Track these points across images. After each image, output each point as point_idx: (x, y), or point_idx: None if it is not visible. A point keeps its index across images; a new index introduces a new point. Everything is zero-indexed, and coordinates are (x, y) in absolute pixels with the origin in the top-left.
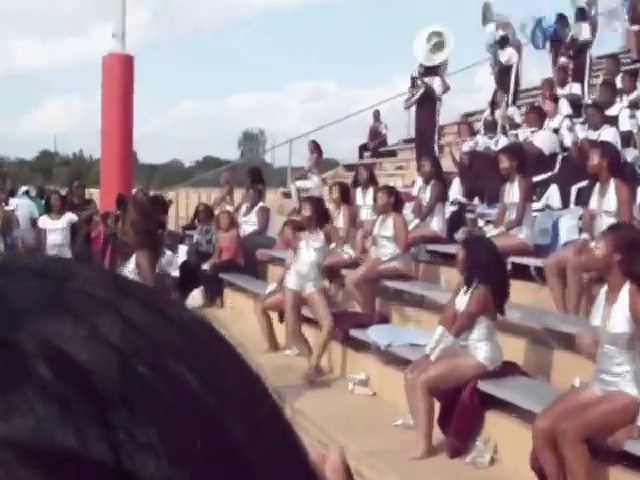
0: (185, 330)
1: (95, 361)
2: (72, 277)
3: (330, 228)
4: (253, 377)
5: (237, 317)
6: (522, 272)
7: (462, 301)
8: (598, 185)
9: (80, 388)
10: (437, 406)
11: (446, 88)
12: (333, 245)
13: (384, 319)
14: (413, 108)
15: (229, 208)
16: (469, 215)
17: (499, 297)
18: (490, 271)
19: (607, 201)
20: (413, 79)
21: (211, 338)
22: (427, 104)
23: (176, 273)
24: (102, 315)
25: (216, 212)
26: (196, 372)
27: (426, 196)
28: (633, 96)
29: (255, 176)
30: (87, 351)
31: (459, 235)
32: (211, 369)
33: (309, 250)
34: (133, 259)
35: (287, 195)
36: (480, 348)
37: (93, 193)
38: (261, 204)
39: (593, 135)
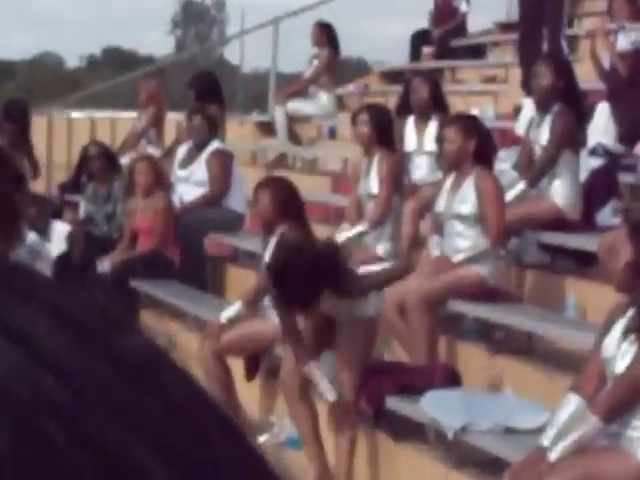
0: (141, 372)
1: None
2: None
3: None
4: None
5: None
6: None
7: (621, 350)
8: None
9: None
10: None
11: None
12: (359, 228)
13: (453, 377)
14: None
15: (152, 151)
16: (626, 177)
17: None
18: None
19: None
20: None
21: (189, 390)
22: None
23: (46, 274)
24: None
25: (124, 159)
26: (171, 461)
27: (542, 136)
28: None
29: (205, 88)
30: None
31: (605, 216)
32: (196, 455)
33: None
34: None
35: (266, 127)
36: None
37: None
38: (216, 145)
39: None
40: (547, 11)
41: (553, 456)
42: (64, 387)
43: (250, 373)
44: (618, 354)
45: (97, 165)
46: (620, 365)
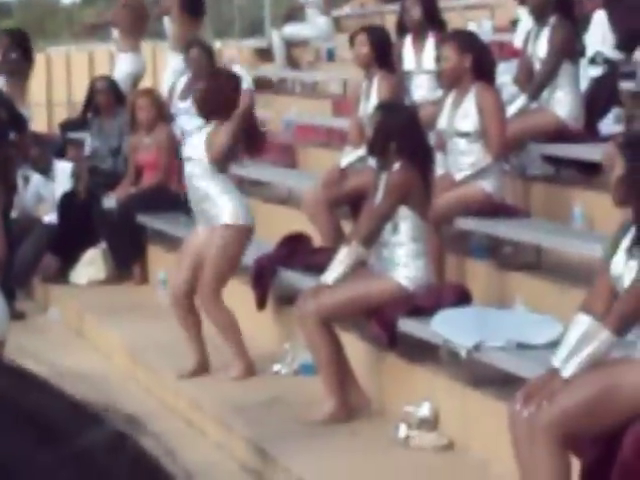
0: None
1: None
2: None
3: None
4: None
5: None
6: None
7: (628, 267)
8: None
9: None
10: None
11: None
12: (360, 151)
13: (464, 296)
14: None
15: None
16: (626, 84)
17: None
18: None
19: None
20: None
21: None
22: None
23: (51, 217)
24: None
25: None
26: None
27: (540, 48)
28: None
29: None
30: None
31: (608, 124)
32: None
33: None
34: None
35: (264, 52)
36: None
37: None
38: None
39: None
40: None
41: (566, 372)
42: None
43: (260, 302)
44: (626, 271)
45: (103, 99)
46: (624, 279)
